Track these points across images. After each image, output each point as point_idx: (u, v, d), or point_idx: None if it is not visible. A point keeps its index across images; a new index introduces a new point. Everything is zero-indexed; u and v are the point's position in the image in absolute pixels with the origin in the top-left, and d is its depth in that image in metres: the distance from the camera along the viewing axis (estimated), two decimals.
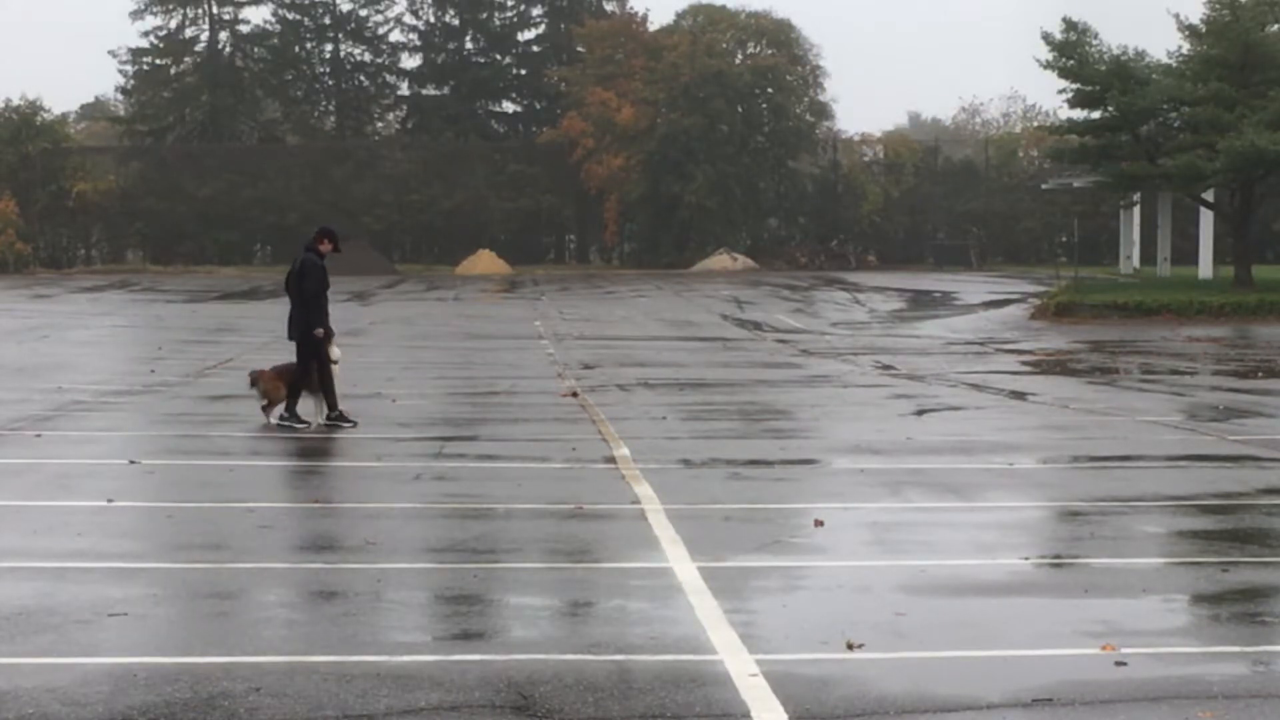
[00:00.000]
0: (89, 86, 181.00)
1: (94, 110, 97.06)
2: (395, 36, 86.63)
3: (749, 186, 76.91)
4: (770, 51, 78.65)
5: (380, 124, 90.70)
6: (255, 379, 18.19)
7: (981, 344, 33.12)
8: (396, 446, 16.20)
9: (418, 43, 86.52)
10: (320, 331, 17.90)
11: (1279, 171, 45.29)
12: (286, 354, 18.85)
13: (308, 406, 17.88)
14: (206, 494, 13.19)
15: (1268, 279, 47.73)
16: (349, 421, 17.78)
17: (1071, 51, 46.25)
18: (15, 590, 9.47)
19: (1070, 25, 46.67)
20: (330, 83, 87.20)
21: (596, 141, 76.25)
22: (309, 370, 17.84)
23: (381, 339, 34.89)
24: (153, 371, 25.42)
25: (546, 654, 8.02)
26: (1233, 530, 11.71)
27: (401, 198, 78.06)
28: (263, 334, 35.77)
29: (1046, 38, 46.61)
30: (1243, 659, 8.05)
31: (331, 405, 17.88)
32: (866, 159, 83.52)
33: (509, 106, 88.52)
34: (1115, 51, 46.83)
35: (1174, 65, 47.92)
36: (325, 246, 18.07)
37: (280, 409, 17.83)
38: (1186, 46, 48.89)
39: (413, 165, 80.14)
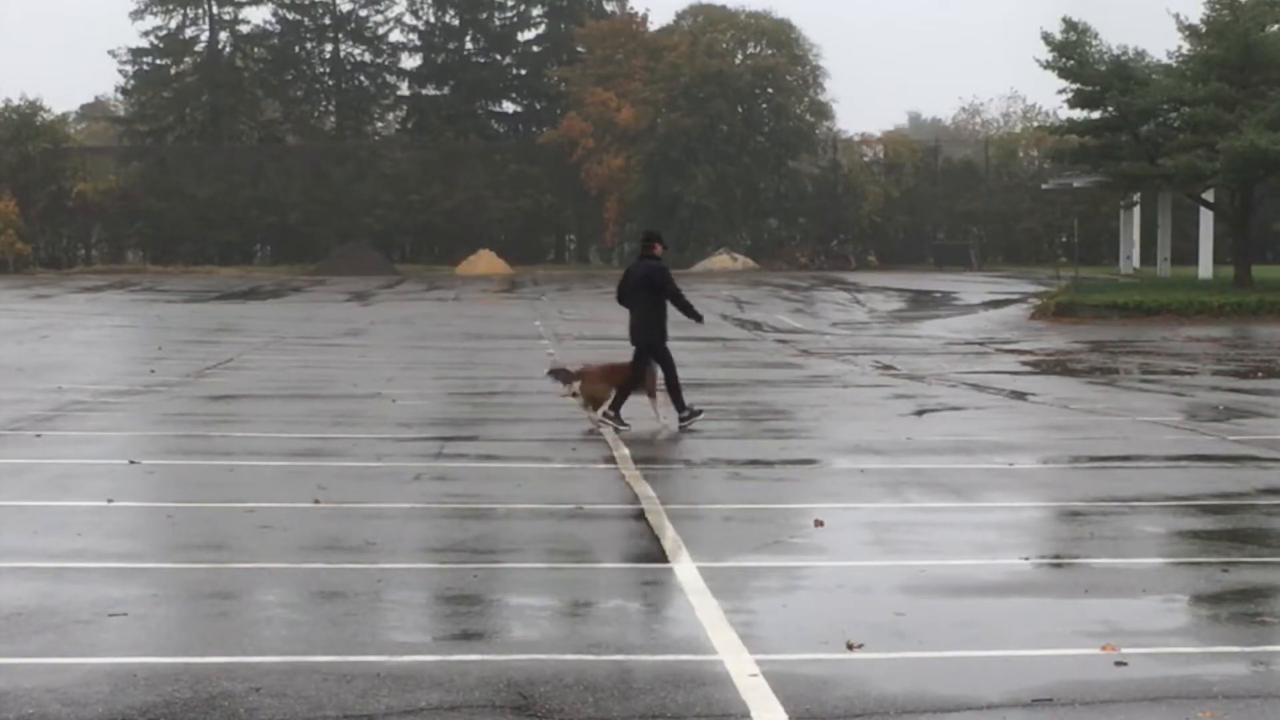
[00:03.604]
0: (89, 86, 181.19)
1: (94, 110, 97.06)
2: (395, 36, 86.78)
3: (749, 186, 76.92)
4: (770, 51, 78.66)
5: (380, 124, 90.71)
6: (564, 375, 18.39)
7: (981, 344, 33.12)
8: (397, 446, 16.19)
9: (418, 43, 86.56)
10: (702, 319, 18.82)
11: (1279, 172, 45.31)
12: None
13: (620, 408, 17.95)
14: (206, 494, 13.18)
15: (1268, 279, 47.76)
16: (698, 413, 17.96)
17: (1071, 51, 46.28)
18: (15, 590, 9.47)
19: (1070, 25, 46.71)
20: (330, 83, 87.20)
21: (596, 141, 76.25)
22: (644, 374, 18.14)
23: (381, 339, 34.90)
24: (153, 371, 25.42)
25: (546, 654, 8.02)
26: (1233, 530, 11.70)
27: (401, 198, 78.06)
28: (263, 334, 35.79)
29: (1046, 38, 46.65)
30: (1243, 659, 8.05)
31: (680, 406, 17.94)
32: (866, 159, 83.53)
33: (509, 106, 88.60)
34: (1115, 51, 46.88)
35: (1174, 65, 47.95)
36: (660, 249, 18.48)
37: (605, 407, 17.92)
38: (1186, 46, 48.93)
39: (413, 165, 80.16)
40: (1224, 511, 12.46)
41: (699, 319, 18.97)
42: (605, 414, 17.89)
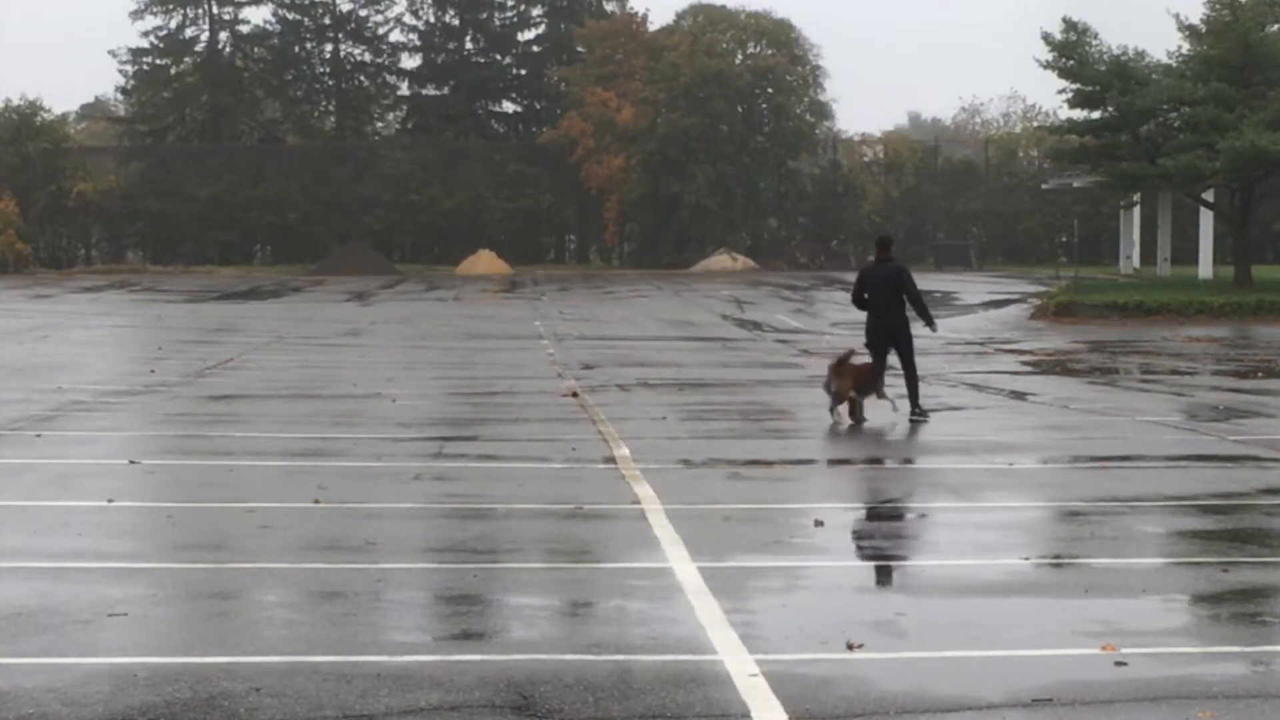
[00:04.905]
0: (89, 86, 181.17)
1: (94, 110, 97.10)
2: (395, 36, 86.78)
3: (749, 186, 76.92)
4: (770, 51, 78.69)
5: (380, 124, 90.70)
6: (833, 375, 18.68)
7: (981, 344, 33.11)
8: (396, 446, 16.19)
9: (418, 43, 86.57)
10: (935, 329, 20.01)
11: (1279, 171, 45.30)
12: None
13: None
14: (206, 494, 13.18)
15: (1268, 279, 47.75)
16: (928, 415, 18.60)
17: (1071, 51, 46.28)
18: (15, 590, 9.46)
19: (1070, 25, 46.71)
20: (330, 83, 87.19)
21: (596, 141, 76.27)
22: (884, 372, 18.82)
23: (381, 339, 34.90)
24: (153, 371, 25.41)
25: (546, 654, 8.02)
26: (1233, 530, 11.70)
27: (401, 198, 78.05)
28: (263, 334, 35.79)
29: (1046, 38, 46.65)
30: (1243, 659, 8.05)
31: (914, 402, 18.73)
32: (866, 159, 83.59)
33: (509, 106, 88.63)
34: (1115, 51, 46.88)
35: (1174, 65, 47.95)
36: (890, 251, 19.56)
37: (858, 408, 18.34)
38: (1186, 46, 48.92)
39: (413, 165, 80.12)
40: (1224, 511, 12.45)
41: (934, 327, 19.88)
42: (854, 414, 18.31)
